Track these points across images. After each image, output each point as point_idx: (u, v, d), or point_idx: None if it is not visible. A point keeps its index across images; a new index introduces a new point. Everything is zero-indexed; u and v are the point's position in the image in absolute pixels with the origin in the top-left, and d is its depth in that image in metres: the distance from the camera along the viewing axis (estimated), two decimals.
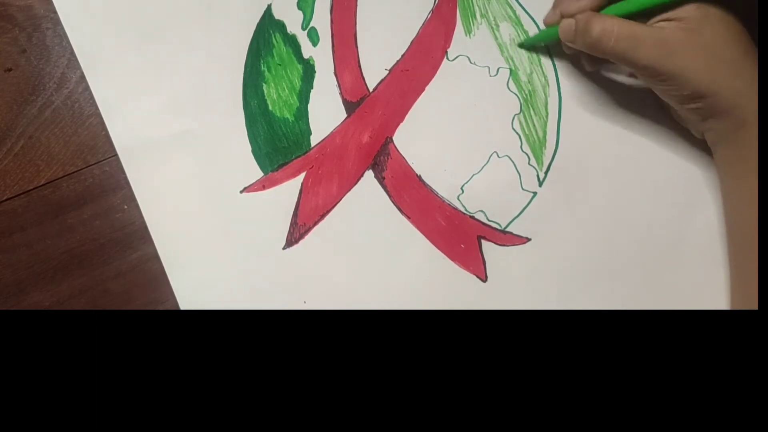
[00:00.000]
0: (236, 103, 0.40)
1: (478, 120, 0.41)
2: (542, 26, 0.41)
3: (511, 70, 0.41)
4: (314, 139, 0.40)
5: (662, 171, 0.41)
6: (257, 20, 0.40)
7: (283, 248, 0.39)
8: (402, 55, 0.41)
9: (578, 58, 0.41)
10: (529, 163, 0.41)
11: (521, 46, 0.42)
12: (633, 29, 0.35)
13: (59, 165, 0.38)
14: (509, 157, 0.41)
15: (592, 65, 0.40)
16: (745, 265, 0.37)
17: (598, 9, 0.36)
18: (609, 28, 0.35)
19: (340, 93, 0.40)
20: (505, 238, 0.40)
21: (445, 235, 0.40)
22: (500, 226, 0.40)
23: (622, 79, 0.41)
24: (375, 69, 0.41)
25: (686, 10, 0.34)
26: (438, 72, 0.41)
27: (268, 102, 0.40)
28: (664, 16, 0.35)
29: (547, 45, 0.41)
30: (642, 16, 0.35)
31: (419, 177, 0.40)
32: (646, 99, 0.41)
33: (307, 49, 0.40)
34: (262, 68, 0.40)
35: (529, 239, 0.40)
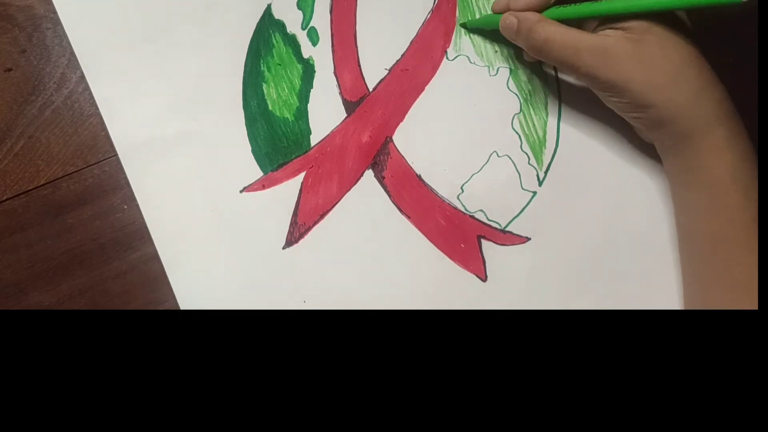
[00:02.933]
0: (236, 103, 0.40)
1: (478, 119, 0.41)
2: None
3: (511, 69, 0.41)
4: (314, 139, 0.40)
5: (662, 171, 0.41)
6: (257, 20, 0.40)
7: (283, 248, 0.39)
8: (402, 55, 0.41)
9: None
10: (528, 163, 0.41)
11: (464, 26, 0.41)
12: (575, 38, 0.35)
13: (59, 165, 0.38)
14: (509, 157, 0.41)
15: (532, 58, 0.39)
16: (698, 269, 0.38)
17: (546, 7, 0.36)
18: (551, 37, 0.35)
19: (340, 93, 0.40)
20: (505, 237, 0.40)
21: (445, 234, 0.40)
22: (500, 225, 0.40)
23: None
24: (375, 69, 0.41)
25: (631, 20, 0.34)
26: (438, 72, 0.41)
27: (268, 102, 0.40)
28: (609, 24, 0.35)
29: (493, 31, 0.41)
30: (587, 20, 0.36)
31: (419, 176, 0.40)
32: None
33: (306, 49, 0.40)
34: (262, 68, 0.40)
35: (528, 239, 0.40)
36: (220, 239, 0.39)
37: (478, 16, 0.41)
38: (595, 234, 0.40)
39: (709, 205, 0.35)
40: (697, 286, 0.38)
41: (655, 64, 0.34)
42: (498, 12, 0.39)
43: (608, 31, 0.35)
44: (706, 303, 0.37)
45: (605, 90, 0.36)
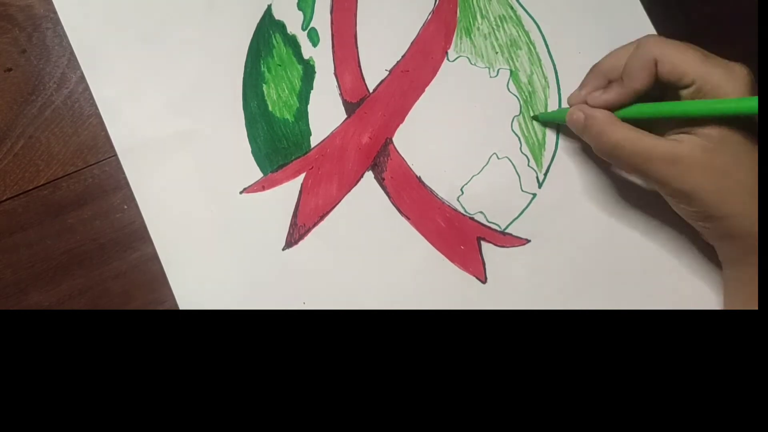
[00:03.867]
0: (236, 103, 0.40)
1: (478, 121, 0.41)
2: (542, 27, 0.41)
3: (511, 71, 0.41)
4: (314, 140, 0.40)
5: None
6: (257, 20, 0.40)
7: (283, 249, 0.39)
8: (402, 56, 0.41)
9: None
10: (528, 165, 0.41)
11: (535, 119, 0.41)
12: (646, 145, 0.33)
13: (59, 165, 0.38)
14: (509, 159, 0.41)
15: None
16: None
17: (621, 106, 0.35)
18: (621, 143, 0.33)
19: (340, 94, 0.40)
20: (505, 239, 0.40)
21: (445, 236, 0.40)
22: (500, 227, 0.40)
23: None
24: (375, 70, 0.41)
25: (708, 125, 0.32)
26: (438, 73, 0.41)
27: (268, 102, 0.40)
28: (684, 127, 0.33)
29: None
30: (660, 121, 0.34)
31: (419, 178, 0.40)
32: None
33: (307, 50, 0.40)
34: (262, 69, 0.40)
35: (528, 240, 0.40)
36: (220, 240, 0.38)
37: (479, 17, 0.42)
38: (595, 236, 0.40)
39: None
40: None
41: (731, 176, 0.32)
42: (573, 105, 0.38)
43: (682, 136, 0.33)
44: None
45: (675, 198, 0.34)
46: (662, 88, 0.34)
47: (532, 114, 0.41)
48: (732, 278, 0.36)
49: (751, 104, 0.30)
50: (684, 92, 0.33)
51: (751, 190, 0.32)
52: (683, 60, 0.33)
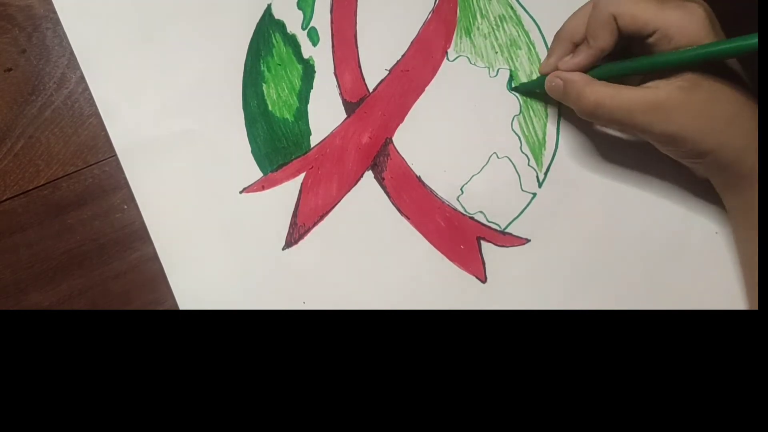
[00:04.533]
0: (236, 103, 0.40)
1: (478, 121, 0.41)
2: (542, 27, 0.41)
3: (511, 70, 0.41)
4: (314, 140, 0.40)
5: (661, 172, 0.41)
6: (257, 20, 0.40)
7: (283, 249, 0.39)
8: (402, 56, 0.41)
9: None
10: (528, 164, 0.41)
11: (515, 89, 0.41)
12: (626, 97, 0.34)
13: (59, 165, 0.38)
14: (509, 158, 0.41)
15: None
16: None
17: (593, 67, 0.36)
18: (602, 101, 0.34)
19: (340, 93, 0.40)
20: (505, 239, 0.40)
21: (445, 235, 0.40)
22: (500, 227, 0.40)
23: None
24: (375, 69, 0.41)
25: (680, 71, 0.34)
26: (438, 72, 0.41)
27: (268, 102, 0.40)
28: (657, 75, 0.34)
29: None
30: (637, 77, 0.35)
31: (419, 178, 0.40)
32: None
33: (307, 49, 0.40)
34: (262, 68, 0.40)
35: (528, 240, 0.40)
36: (220, 240, 0.38)
37: (479, 17, 0.42)
38: (595, 235, 0.40)
39: None
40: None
41: (709, 112, 0.33)
42: (545, 73, 0.38)
43: (657, 82, 0.34)
44: None
45: (661, 142, 0.35)
46: (628, 40, 0.35)
47: (516, 90, 0.41)
48: (733, 207, 0.38)
49: (720, 48, 0.32)
50: (649, 40, 0.34)
51: (730, 122, 0.33)
52: (640, 10, 0.34)
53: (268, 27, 0.40)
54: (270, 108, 0.40)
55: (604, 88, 0.35)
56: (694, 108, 0.33)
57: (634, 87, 0.34)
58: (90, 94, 0.38)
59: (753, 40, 0.30)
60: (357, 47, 0.41)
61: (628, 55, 0.36)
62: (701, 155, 0.35)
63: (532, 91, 0.41)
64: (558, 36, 0.38)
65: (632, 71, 0.35)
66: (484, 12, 0.42)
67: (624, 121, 0.34)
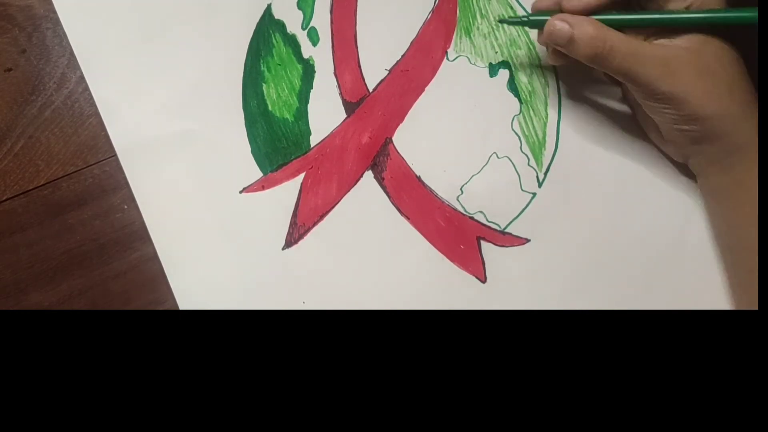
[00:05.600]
0: (236, 103, 0.40)
1: (478, 121, 0.41)
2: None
3: (511, 71, 0.41)
4: (314, 140, 0.40)
5: (661, 172, 0.41)
6: (257, 20, 0.40)
7: (283, 248, 0.39)
8: (402, 56, 0.41)
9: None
10: (528, 164, 0.41)
11: (502, 22, 0.40)
12: (636, 47, 0.34)
13: (59, 165, 0.38)
14: (509, 158, 0.41)
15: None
16: (752, 290, 0.36)
17: (599, 11, 0.35)
18: (616, 45, 0.33)
19: (340, 93, 0.40)
20: (505, 239, 0.40)
21: (445, 235, 0.40)
22: (500, 226, 0.40)
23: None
24: (375, 69, 0.41)
25: (688, 32, 0.34)
26: (438, 72, 0.41)
27: (268, 102, 0.40)
28: (666, 34, 0.34)
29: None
30: (642, 32, 0.35)
31: (419, 177, 0.40)
32: None
33: (306, 49, 0.40)
34: (262, 68, 0.40)
35: (528, 240, 0.40)
36: (220, 240, 0.39)
37: (479, 17, 0.41)
38: (595, 235, 0.40)
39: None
40: (748, 293, 0.37)
41: (713, 75, 0.33)
42: (543, 10, 0.37)
43: (665, 41, 0.34)
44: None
45: (663, 102, 0.34)
46: None
47: (498, 19, 0.40)
48: (712, 189, 0.37)
49: (731, 15, 0.33)
50: None
51: (731, 89, 0.34)
52: None
53: (268, 27, 0.40)
54: (270, 108, 0.40)
55: (615, 34, 0.34)
56: (701, 70, 0.33)
57: (644, 41, 0.34)
58: (90, 94, 0.38)
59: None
60: (357, 47, 0.41)
61: (636, 8, 0.35)
62: (700, 120, 0.34)
63: (522, 26, 0.40)
64: None
65: (640, 24, 0.34)
66: (483, 12, 0.42)
67: (633, 70, 0.34)
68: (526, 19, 0.38)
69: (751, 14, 0.32)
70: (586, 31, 0.34)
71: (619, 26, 0.35)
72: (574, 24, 0.34)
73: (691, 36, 0.34)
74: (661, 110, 0.35)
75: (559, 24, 0.35)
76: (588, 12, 0.35)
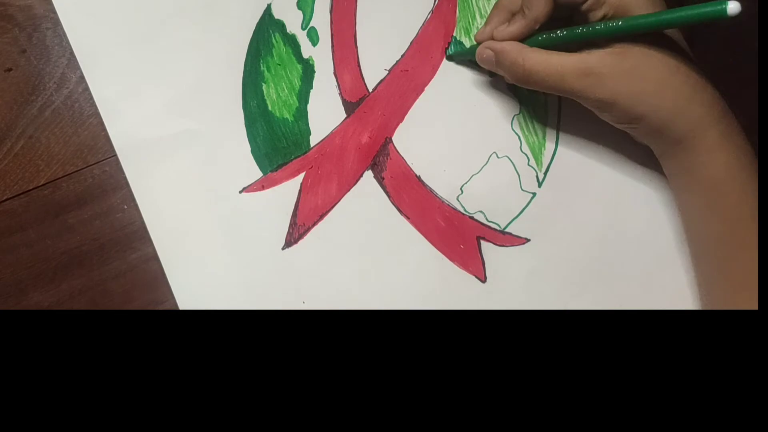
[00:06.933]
0: (236, 103, 0.40)
1: (478, 120, 0.41)
2: None
3: None
4: (314, 140, 0.40)
5: (661, 172, 0.41)
6: (257, 20, 0.40)
7: (282, 248, 0.39)
8: (402, 56, 0.41)
9: None
10: (528, 164, 0.41)
11: (449, 58, 0.41)
12: (557, 63, 0.34)
13: (59, 165, 0.38)
14: (509, 158, 0.41)
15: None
16: (702, 270, 0.38)
17: (527, 36, 0.36)
18: (534, 68, 0.35)
19: (340, 93, 0.40)
20: (505, 238, 0.40)
21: (445, 235, 0.40)
22: (499, 226, 0.40)
23: None
24: (375, 69, 0.41)
25: (615, 41, 0.34)
26: (438, 72, 0.41)
27: (268, 102, 0.40)
28: (593, 44, 0.35)
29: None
30: (573, 47, 0.35)
31: (419, 177, 0.40)
32: None
33: (306, 49, 0.40)
34: (262, 68, 0.40)
35: (528, 240, 0.40)
36: (220, 239, 0.39)
37: (478, 18, 0.42)
38: (595, 235, 0.40)
39: (707, 206, 0.35)
40: (704, 287, 0.38)
41: (639, 76, 0.34)
42: (480, 41, 0.38)
43: (590, 50, 0.35)
44: (711, 303, 0.37)
45: (599, 108, 0.36)
46: (569, 10, 0.35)
47: (450, 59, 0.41)
48: (671, 173, 0.38)
49: (648, 20, 0.32)
50: (584, 6, 0.35)
51: (661, 87, 0.34)
52: None
53: (268, 27, 0.40)
54: (270, 108, 0.40)
55: (535, 55, 0.35)
56: (625, 72, 0.34)
57: (567, 53, 0.35)
58: (90, 94, 0.38)
59: (678, 13, 0.31)
60: (357, 47, 0.41)
61: (572, 24, 0.36)
62: (634, 120, 0.35)
63: (467, 59, 0.41)
64: (497, 5, 0.38)
65: (566, 40, 0.35)
66: (483, 12, 0.42)
67: (557, 86, 0.35)
68: (468, 49, 0.40)
69: (655, 19, 0.32)
70: (507, 57, 0.36)
71: (548, 46, 0.35)
72: (498, 51, 0.36)
73: (615, 42, 0.34)
74: (601, 114, 0.37)
75: (485, 53, 0.37)
76: (518, 39, 0.36)
